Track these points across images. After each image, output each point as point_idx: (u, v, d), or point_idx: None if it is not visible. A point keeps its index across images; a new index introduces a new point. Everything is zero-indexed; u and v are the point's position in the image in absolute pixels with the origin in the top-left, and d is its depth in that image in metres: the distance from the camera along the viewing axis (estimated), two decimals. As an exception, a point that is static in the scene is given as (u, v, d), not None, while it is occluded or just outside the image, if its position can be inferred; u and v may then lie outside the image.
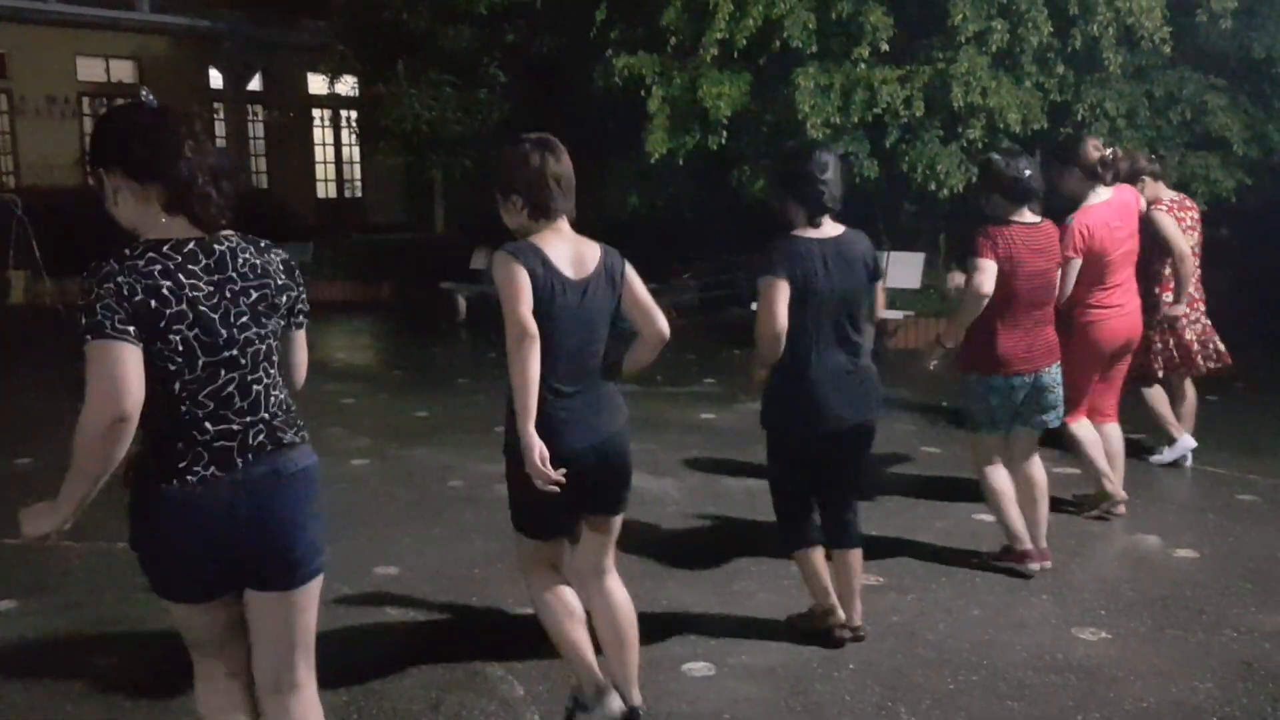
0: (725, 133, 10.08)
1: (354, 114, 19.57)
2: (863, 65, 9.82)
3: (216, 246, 2.37)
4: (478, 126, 13.10)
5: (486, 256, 14.00)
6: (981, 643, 4.04)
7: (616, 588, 3.34)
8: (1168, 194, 6.09)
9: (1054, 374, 4.63)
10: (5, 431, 7.21)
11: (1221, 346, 6.22)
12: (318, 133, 21.39)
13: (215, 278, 2.34)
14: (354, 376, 9.37)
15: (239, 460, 2.35)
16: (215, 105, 20.03)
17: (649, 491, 5.89)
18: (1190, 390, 6.40)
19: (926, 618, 4.27)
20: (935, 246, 11.51)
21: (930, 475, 6.17)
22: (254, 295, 2.39)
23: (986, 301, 4.44)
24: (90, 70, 18.63)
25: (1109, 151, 5.17)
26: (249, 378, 2.38)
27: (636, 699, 3.33)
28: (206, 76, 19.86)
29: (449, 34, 12.80)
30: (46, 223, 13.21)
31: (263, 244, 2.49)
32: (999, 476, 4.68)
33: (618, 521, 3.34)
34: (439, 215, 20.14)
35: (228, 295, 2.35)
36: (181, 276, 2.29)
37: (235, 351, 2.35)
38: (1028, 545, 4.68)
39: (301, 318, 2.55)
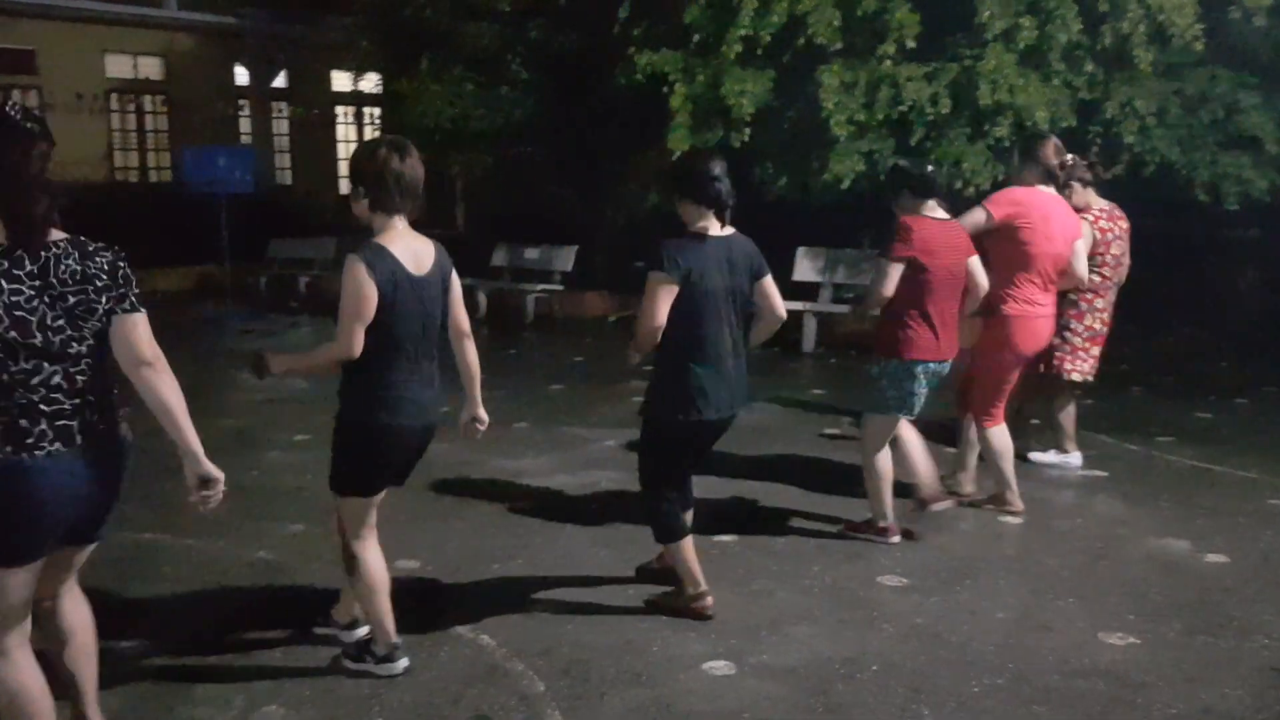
0: (748, 130, 10.03)
1: (377, 111, 19.65)
2: (888, 62, 9.74)
3: (43, 254, 2.62)
4: (499, 124, 13.09)
5: (507, 254, 14.01)
6: (1006, 646, 3.98)
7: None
8: (1098, 203, 6.07)
9: (948, 365, 4.96)
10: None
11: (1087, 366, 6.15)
12: (340, 129, 21.49)
13: (37, 283, 2.60)
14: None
15: (78, 437, 2.68)
16: (240, 102, 20.15)
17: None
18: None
19: (950, 619, 4.22)
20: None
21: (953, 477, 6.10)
22: (71, 300, 2.65)
23: (886, 300, 4.77)
24: (118, 67, 18.75)
25: (1069, 157, 5.41)
26: (71, 370, 2.67)
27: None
28: (232, 73, 19.97)
29: (471, 31, 12.80)
30: (72, 218, 13.30)
31: (91, 248, 2.73)
32: (886, 459, 5.00)
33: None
34: (459, 212, 20.18)
35: (46, 300, 2.61)
36: (3, 281, 2.56)
37: (55, 350, 2.63)
38: (890, 523, 5.01)
39: (128, 305, 2.75)
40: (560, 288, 13.26)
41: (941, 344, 4.83)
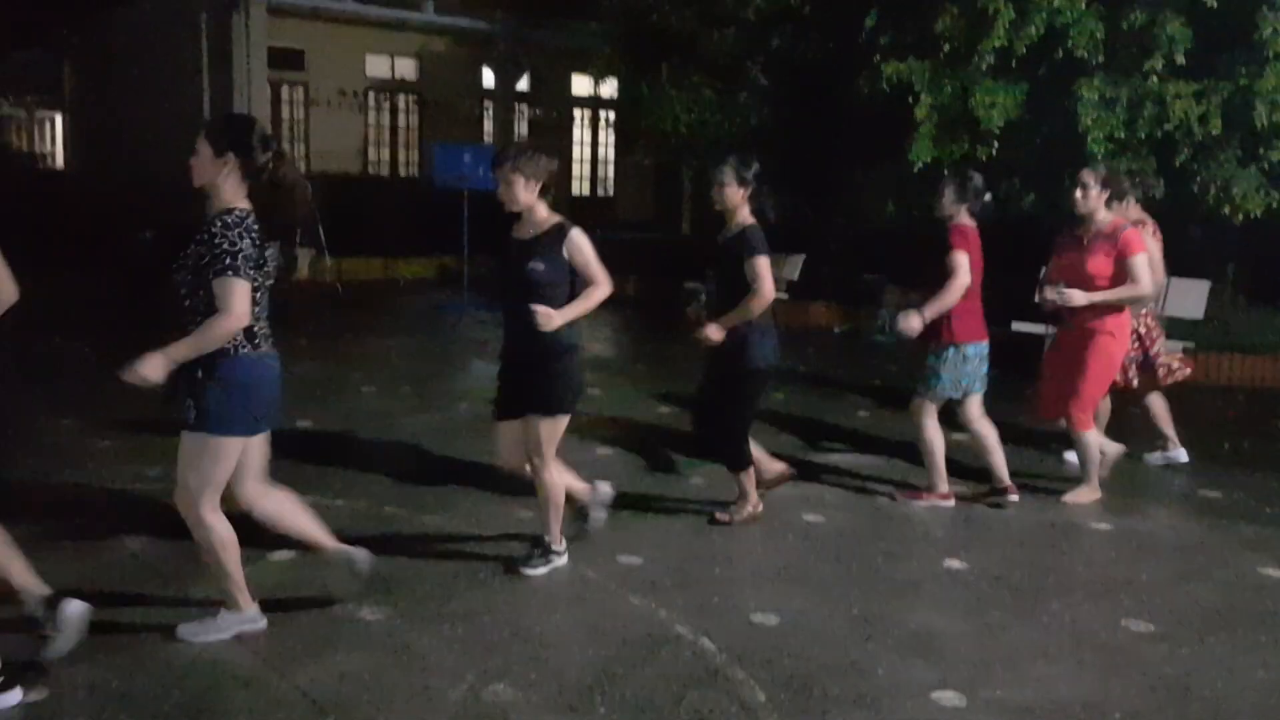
0: (996, 144, 9.66)
1: (612, 114, 20.06)
2: (1154, 78, 9.19)
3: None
4: (734, 130, 13.08)
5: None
6: (1268, 707, 3.67)
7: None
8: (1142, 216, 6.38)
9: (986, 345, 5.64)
10: (287, 397, 7.74)
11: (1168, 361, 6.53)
12: (576, 132, 22.06)
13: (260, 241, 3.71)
14: (600, 367, 9.53)
15: (272, 343, 3.81)
16: (486, 103, 20.98)
17: (898, 510, 5.70)
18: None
19: (1203, 674, 3.91)
20: (1223, 275, 10.59)
21: (1209, 521, 5.68)
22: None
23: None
24: (376, 67, 19.88)
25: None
26: (262, 299, 3.72)
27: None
28: (480, 76, 20.81)
29: (714, 38, 12.85)
30: (330, 206, 14.18)
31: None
32: (938, 433, 5.68)
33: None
34: (685, 216, 20.33)
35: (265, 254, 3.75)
36: (258, 238, 3.68)
37: (264, 286, 3.74)
38: (946, 488, 5.74)
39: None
40: (785, 296, 13.12)
41: (985, 327, 5.60)
